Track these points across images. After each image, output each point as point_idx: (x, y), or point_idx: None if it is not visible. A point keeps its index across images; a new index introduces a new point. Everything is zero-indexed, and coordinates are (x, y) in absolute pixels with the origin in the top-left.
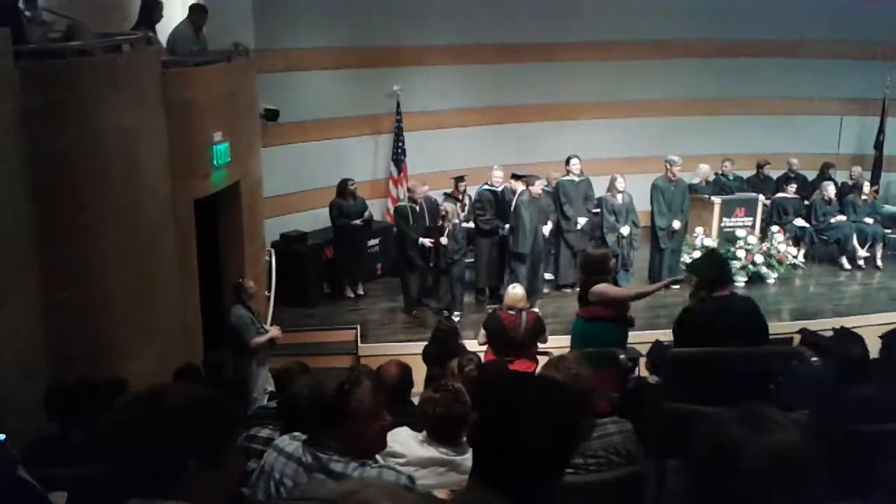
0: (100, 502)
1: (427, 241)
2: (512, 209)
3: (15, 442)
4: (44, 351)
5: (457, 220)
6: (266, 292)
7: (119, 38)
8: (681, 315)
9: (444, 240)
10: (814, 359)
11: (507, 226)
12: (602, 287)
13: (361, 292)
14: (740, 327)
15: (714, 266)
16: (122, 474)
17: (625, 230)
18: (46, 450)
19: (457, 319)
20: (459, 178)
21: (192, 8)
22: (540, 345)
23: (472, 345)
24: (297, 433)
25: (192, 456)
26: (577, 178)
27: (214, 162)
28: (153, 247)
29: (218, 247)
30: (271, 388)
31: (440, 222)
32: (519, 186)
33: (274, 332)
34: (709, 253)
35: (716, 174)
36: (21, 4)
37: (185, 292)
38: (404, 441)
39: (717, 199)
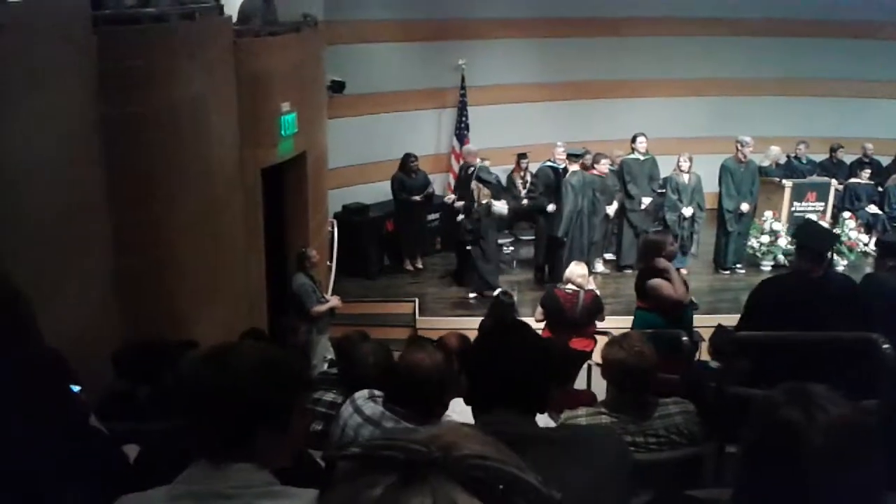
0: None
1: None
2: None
3: (87, 395)
4: (115, 312)
5: (485, 201)
6: (328, 262)
7: (193, 5)
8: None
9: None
10: (885, 346)
11: (551, 206)
12: (657, 282)
13: (420, 266)
14: (832, 307)
15: (815, 234)
16: (193, 434)
17: (687, 211)
18: (116, 405)
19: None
20: (522, 155)
21: None
22: (598, 324)
23: (529, 322)
24: (376, 392)
25: (262, 418)
26: (642, 157)
27: (282, 132)
28: (221, 214)
29: (283, 216)
30: (330, 355)
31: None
32: (573, 166)
33: (334, 301)
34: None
35: (788, 157)
36: None
37: (251, 259)
38: (462, 410)
39: (788, 183)
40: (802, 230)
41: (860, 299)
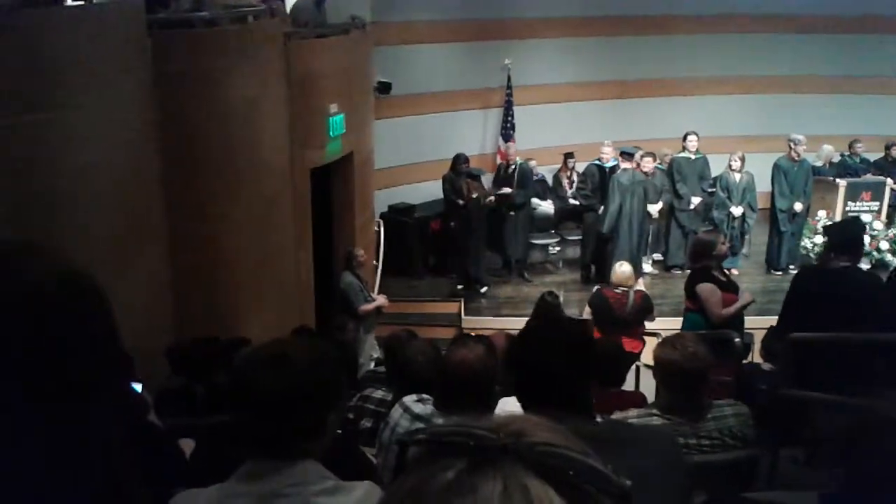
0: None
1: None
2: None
3: (147, 392)
4: (169, 309)
5: (475, 195)
6: (374, 262)
7: (244, 9)
8: (793, 278)
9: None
10: None
11: (601, 206)
12: (708, 291)
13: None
14: (854, 301)
15: (845, 230)
16: (249, 431)
17: (737, 210)
18: (171, 401)
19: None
20: (568, 154)
21: None
22: (647, 325)
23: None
24: (424, 395)
25: (321, 416)
26: (692, 156)
27: (330, 133)
28: (272, 214)
29: (331, 216)
30: (377, 354)
31: (467, 194)
32: (625, 164)
33: (381, 300)
34: (851, 220)
35: (841, 155)
36: None
37: (300, 258)
38: (512, 410)
39: (842, 182)
40: (833, 225)
41: (884, 294)
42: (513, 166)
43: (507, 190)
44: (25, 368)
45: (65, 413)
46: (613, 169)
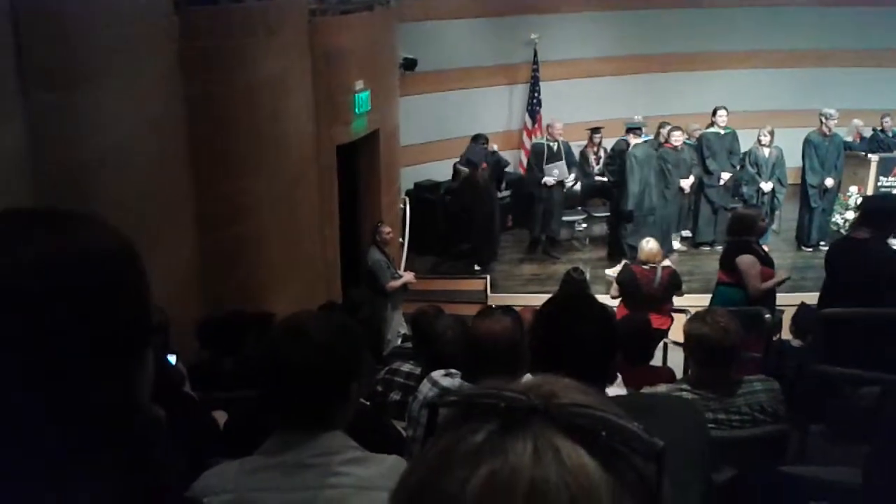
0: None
1: (550, 180)
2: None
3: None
4: (198, 285)
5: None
6: (400, 239)
7: None
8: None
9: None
10: None
11: None
12: (748, 263)
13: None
14: (870, 273)
15: (876, 202)
16: (276, 404)
17: (766, 186)
18: (201, 374)
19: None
20: (595, 130)
21: None
22: (676, 301)
23: (604, 299)
24: (451, 370)
25: (346, 388)
26: (722, 131)
27: (356, 110)
28: (298, 190)
29: (357, 192)
30: (404, 330)
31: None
32: (633, 139)
33: (408, 277)
34: (888, 194)
35: (873, 130)
36: None
37: (326, 235)
38: None
39: (874, 157)
40: (868, 197)
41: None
42: (556, 143)
43: (564, 173)
44: (52, 343)
45: (94, 385)
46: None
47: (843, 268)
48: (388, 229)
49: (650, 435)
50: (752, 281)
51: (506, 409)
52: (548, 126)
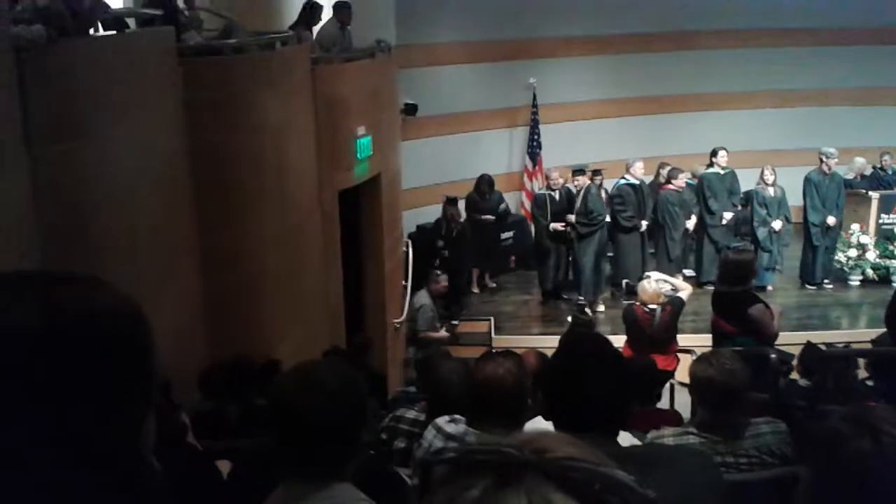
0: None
1: (559, 226)
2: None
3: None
4: (202, 332)
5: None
6: (403, 281)
7: (272, 36)
8: None
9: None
10: None
11: (643, 222)
12: (761, 312)
13: (493, 285)
14: None
15: None
16: (285, 454)
17: (776, 224)
18: (205, 423)
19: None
20: (595, 172)
21: (338, 6)
22: (681, 342)
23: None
24: (456, 416)
25: (356, 439)
26: (721, 171)
27: (358, 155)
28: (301, 235)
29: (359, 236)
30: None
31: (450, 225)
32: (583, 180)
33: (442, 334)
34: None
35: (873, 168)
36: (181, 4)
37: (330, 279)
38: (542, 428)
39: (874, 195)
40: None
41: None
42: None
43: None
44: (56, 409)
45: (98, 448)
46: (642, 186)
47: None
48: (445, 281)
49: (643, 486)
50: (769, 329)
51: (500, 464)
52: (546, 177)
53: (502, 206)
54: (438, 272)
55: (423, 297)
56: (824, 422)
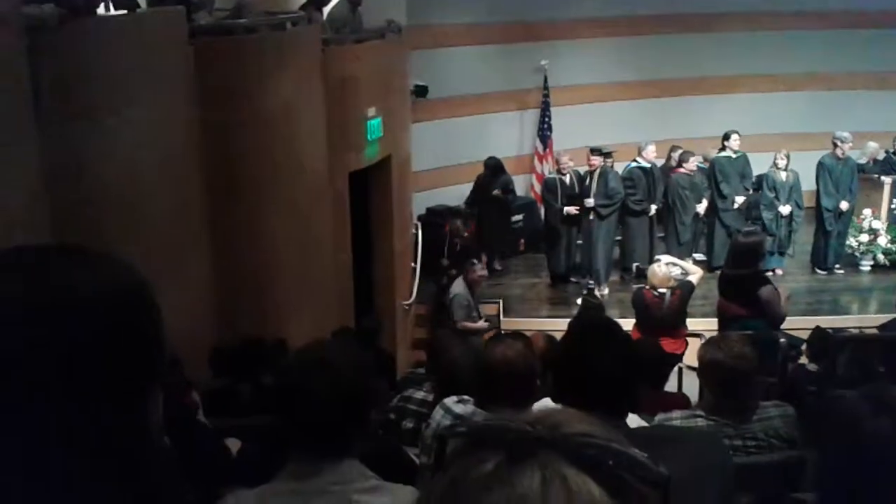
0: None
1: (573, 210)
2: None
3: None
4: (213, 311)
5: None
6: (412, 263)
7: (283, 16)
8: None
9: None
10: None
11: (652, 206)
12: (771, 293)
13: (499, 268)
14: None
15: None
16: (294, 432)
17: (785, 209)
18: (216, 402)
19: None
20: (607, 155)
21: None
22: (690, 325)
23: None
24: (464, 396)
25: (365, 415)
26: (733, 155)
27: (368, 136)
28: (311, 217)
29: (369, 218)
30: None
31: (452, 240)
32: (598, 162)
33: (481, 325)
34: None
35: (886, 152)
36: None
37: (340, 261)
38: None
39: (887, 179)
40: None
41: None
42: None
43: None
44: (66, 382)
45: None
46: (653, 169)
47: None
48: (482, 271)
49: (657, 464)
50: (779, 310)
51: (513, 440)
52: (556, 159)
53: (496, 191)
54: (475, 261)
55: (459, 287)
56: (843, 400)
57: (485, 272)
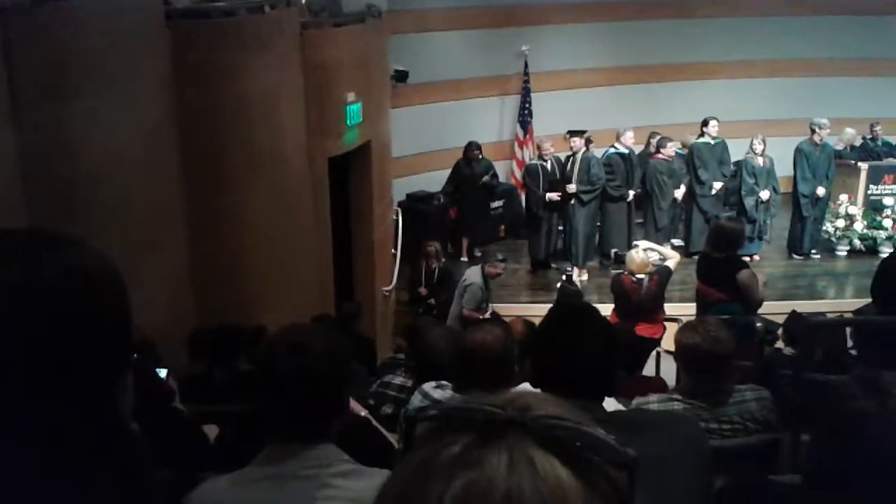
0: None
1: (554, 196)
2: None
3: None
4: (190, 297)
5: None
6: (392, 250)
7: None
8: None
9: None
10: None
11: (630, 192)
12: (749, 277)
13: (478, 254)
14: None
15: None
16: (270, 417)
17: (764, 194)
18: (193, 387)
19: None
20: (587, 140)
21: None
22: (668, 310)
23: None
24: (443, 381)
25: (342, 400)
26: (712, 141)
27: (347, 122)
28: (290, 202)
29: (349, 204)
30: None
31: (430, 262)
32: (579, 143)
33: (488, 318)
34: None
35: (863, 139)
36: None
37: (319, 247)
38: None
39: (863, 165)
40: None
41: None
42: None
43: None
44: (34, 365)
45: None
46: (631, 155)
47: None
48: (501, 268)
49: (624, 446)
50: (756, 294)
51: (482, 421)
52: (538, 145)
53: (485, 178)
54: (500, 256)
55: (476, 276)
56: (833, 383)
57: (503, 269)
